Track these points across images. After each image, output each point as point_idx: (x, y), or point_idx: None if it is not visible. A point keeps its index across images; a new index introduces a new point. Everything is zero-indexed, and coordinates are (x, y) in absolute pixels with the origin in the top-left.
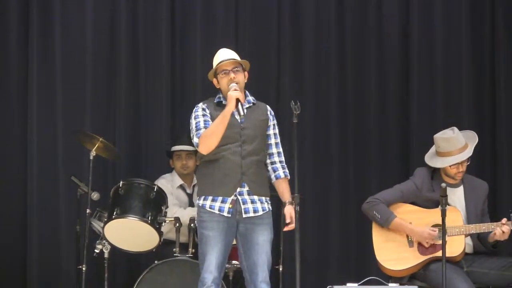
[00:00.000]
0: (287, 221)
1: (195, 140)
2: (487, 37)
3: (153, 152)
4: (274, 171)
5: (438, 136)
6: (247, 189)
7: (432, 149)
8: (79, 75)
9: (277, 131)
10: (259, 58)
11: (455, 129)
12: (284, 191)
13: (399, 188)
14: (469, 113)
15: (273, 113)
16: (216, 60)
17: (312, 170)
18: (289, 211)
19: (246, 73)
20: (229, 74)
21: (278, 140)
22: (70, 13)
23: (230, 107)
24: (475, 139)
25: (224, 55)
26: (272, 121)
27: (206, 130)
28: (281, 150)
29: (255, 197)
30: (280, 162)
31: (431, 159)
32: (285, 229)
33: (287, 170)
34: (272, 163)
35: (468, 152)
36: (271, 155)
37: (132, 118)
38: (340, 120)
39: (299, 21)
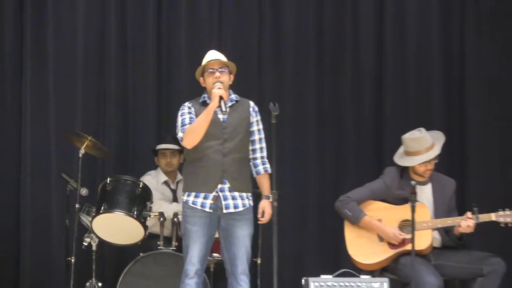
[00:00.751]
0: (259, 215)
1: (180, 134)
2: (457, 45)
3: (139, 150)
4: (255, 166)
5: (406, 136)
6: (228, 185)
7: (401, 149)
8: (71, 77)
9: (261, 127)
10: (241, 61)
11: (423, 129)
12: (263, 186)
13: (370, 187)
14: (439, 113)
15: (256, 109)
16: (205, 59)
17: (291, 168)
18: (263, 206)
19: (232, 75)
20: (215, 73)
21: (262, 136)
22: (62, 18)
23: (214, 103)
24: (442, 139)
25: (213, 55)
26: (256, 117)
27: (191, 125)
28: (264, 145)
29: (236, 194)
30: (262, 157)
31: (400, 159)
32: (259, 222)
33: (268, 166)
34: (254, 158)
35: (435, 151)
36: (254, 150)
37: (120, 118)
38: (317, 121)
39: (279, 26)
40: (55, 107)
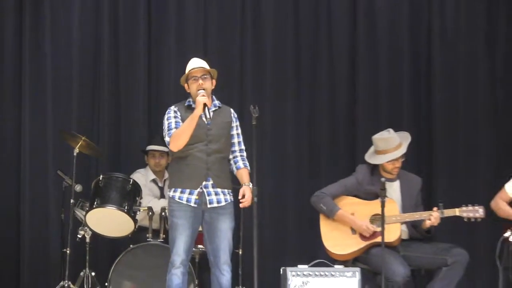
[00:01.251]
0: (239, 197)
1: (167, 138)
2: (423, 52)
3: (130, 149)
4: (235, 163)
5: (376, 137)
6: (212, 182)
7: (371, 149)
8: (67, 80)
9: (239, 131)
10: (225, 68)
11: (391, 130)
12: (243, 177)
13: (343, 183)
14: (408, 114)
15: (236, 116)
16: (188, 67)
17: (270, 166)
18: (243, 190)
19: (214, 80)
20: (198, 80)
21: (241, 138)
22: (59, 22)
23: (198, 111)
24: (409, 139)
25: (195, 63)
26: (235, 123)
27: (177, 130)
28: (243, 147)
29: (219, 190)
30: (241, 155)
31: (371, 157)
32: (240, 205)
33: (247, 162)
34: (234, 156)
35: (402, 150)
36: (234, 151)
37: (112, 120)
38: (294, 123)
39: (260, 35)
40: (51, 109)
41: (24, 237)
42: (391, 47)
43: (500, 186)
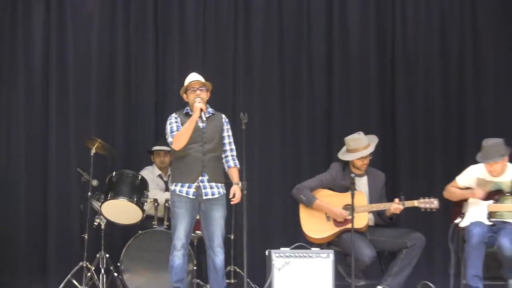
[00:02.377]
0: (230, 196)
1: (170, 139)
2: (388, 61)
3: (139, 150)
4: (227, 162)
5: (347, 138)
6: (207, 177)
7: (344, 148)
8: (86, 91)
9: (230, 133)
10: (220, 79)
11: (361, 133)
12: (233, 176)
13: (320, 178)
14: (375, 119)
15: (227, 120)
16: (187, 80)
17: (259, 163)
18: (233, 189)
19: (208, 92)
20: (196, 91)
21: (231, 140)
22: (79, 43)
23: (195, 115)
24: (376, 140)
25: (193, 77)
26: (227, 126)
27: (178, 132)
28: (233, 147)
29: (213, 184)
30: (232, 155)
31: (343, 155)
32: (232, 202)
33: (237, 161)
34: (226, 156)
35: (370, 149)
36: (225, 151)
37: (126, 124)
38: (280, 126)
39: (250, 50)
40: (74, 116)
41: (50, 225)
42: (361, 61)
43: (452, 177)
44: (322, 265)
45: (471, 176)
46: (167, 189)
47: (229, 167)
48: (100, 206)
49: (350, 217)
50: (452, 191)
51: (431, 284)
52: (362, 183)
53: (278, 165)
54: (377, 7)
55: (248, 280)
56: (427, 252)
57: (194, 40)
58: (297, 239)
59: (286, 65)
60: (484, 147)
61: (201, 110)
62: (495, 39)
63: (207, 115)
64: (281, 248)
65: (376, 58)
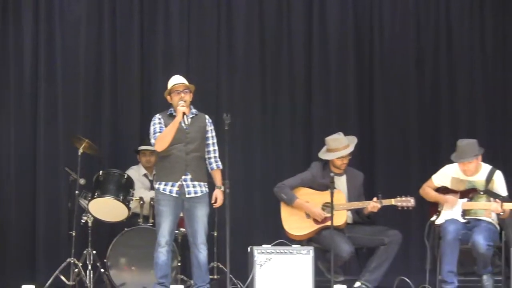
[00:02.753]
0: (212, 201)
1: (152, 141)
2: (366, 64)
3: (125, 149)
4: (210, 164)
5: (328, 138)
6: (190, 176)
7: (324, 148)
8: (74, 92)
9: (214, 134)
10: (204, 81)
11: (341, 133)
12: (216, 178)
13: (300, 176)
14: (354, 121)
15: (211, 121)
16: (171, 83)
17: (241, 161)
18: (215, 194)
19: (191, 94)
20: (180, 94)
21: (215, 140)
22: (67, 46)
23: (178, 118)
24: (355, 141)
25: (177, 79)
26: (210, 127)
27: (160, 134)
28: (216, 148)
29: (196, 183)
30: (215, 157)
31: (323, 155)
32: (214, 206)
33: (219, 163)
34: (209, 158)
35: (350, 149)
36: (209, 152)
37: (112, 125)
38: (261, 127)
39: (232, 53)
40: (62, 117)
41: (38, 222)
42: (339, 64)
43: (428, 177)
44: (303, 261)
45: (446, 175)
46: (152, 188)
47: (212, 169)
48: (88, 204)
49: (329, 215)
50: (427, 192)
51: (408, 280)
52: (341, 182)
53: (259, 164)
54: (355, 13)
55: (231, 276)
56: (403, 249)
57: (178, 43)
58: (278, 236)
59: (267, 68)
60: (459, 147)
61: (184, 113)
62: (469, 42)
63: (191, 116)
64: (263, 245)
65: (355, 62)
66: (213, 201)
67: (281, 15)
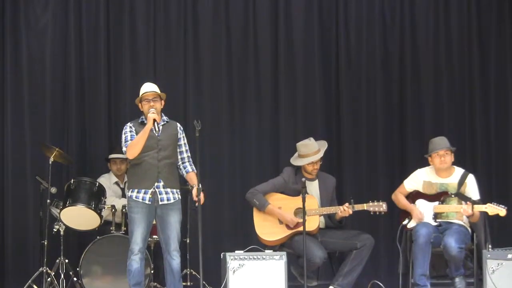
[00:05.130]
0: (194, 198)
1: (124, 149)
2: (333, 69)
3: (95, 158)
4: (185, 167)
5: (299, 143)
6: (163, 183)
7: (296, 154)
8: (41, 100)
9: (186, 141)
10: (172, 89)
11: (312, 138)
12: (192, 179)
13: (272, 182)
14: (321, 126)
15: (182, 128)
16: (141, 91)
17: (210, 169)
18: (195, 192)
19: (162, 101)
20: (150, 102)
21: (187, 147)
22: (33, 54)
23: (149, 125)
24: (325, 146)
25: (148, 87)
26: (182, 134)
27: (132, 141)
28: (189, 154)
29: (168, 189)
30: (189, 161)
31: (295, 160)
32: (201, 203)
33: (193, 167)
34: (183, 162)
35: (320, 154)
36: (183, 158)
37: (80, 133)
38: (229, 133)
39: (199, 60)
40: (29, 124)
41: (8, 232)
42: (306, 70)
43: (400, 182)
44: (276, 266)
45: (418, 179)
46: (123, 196)
47: (187, 172)
48: (59, 213)
49: (301, 220)
50: (399, 199)
51: (381, 284)
52: (313, 187)
53: (228, 171)
54: (320, 15)
55: (204, 282)
56: (375, 253)
57: (145, 50)
58: (250, 242)
59: (234, 74)
60: (432, 142)
61: (154, 120)
62: (434, 41)
63: (162, 123)
64: (236, 251)
65: (321, 67)
66: (194, 198)
67: (247, 23)
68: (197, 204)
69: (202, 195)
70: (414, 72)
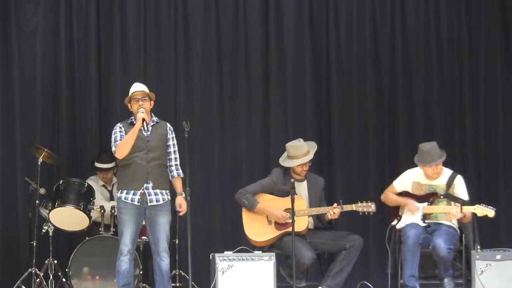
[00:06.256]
0: (177, 209)
1: (113, 149)
2: (324, 68)
3: (84, 159)
4: (171, 172)
5: (288, 144)
6: (152, 184)
7: (285, 154)
8: (32, 102)
9: (175, 142)
10: (162, 90)
11: (301, 139)
12: (177, 186)
13: (261, 183)
14: (312, 125)
15: (172, 129)
16: (131, 90)
17: (200, 169)
18: (179, 201)
19: (152, 101)
20: (139, 101)
21: (176, 148)
22: (24, 55)
23: (138, 125)
24: (315, 147)
25: (137, 87)
26: (171, 135)
27: (121, 141)
28: (177, 156)
29: (158, 191)
30: (176, 165)
31: (284, 161)
32: (180, 214)
33: (180, 171)
34: (170, 165)
35: (310, 156)
36: (170, 160)
37: (70, 134)
38: (219, 133)
39: (190, 64)
40: (19, 126)
41: None
42: (296, 70)
43: (390, 182)
44: (264, 267)
45: (407, 180)
46: (111, 199)
47: (172, 177)
48: (48, 214)
49: (290, 221)
50: (389, 197)
51: (370, 285)
52: (302, 188)
53: (218, 171)
54: (311, 15)
55: (193, 283)
56: (364, 253)
57: (135, 51)
58: (239, 243)
59: (224, 74)
60: (423, 152)
61: (144, 120)
62: (425, 41)
63: (151, 124)
64: (225, 252)
65: (312, 66)
66: (177, 208)
67: (237, 22)
68: (181, 214)
69: (184, 204)
70: (405, 72)
